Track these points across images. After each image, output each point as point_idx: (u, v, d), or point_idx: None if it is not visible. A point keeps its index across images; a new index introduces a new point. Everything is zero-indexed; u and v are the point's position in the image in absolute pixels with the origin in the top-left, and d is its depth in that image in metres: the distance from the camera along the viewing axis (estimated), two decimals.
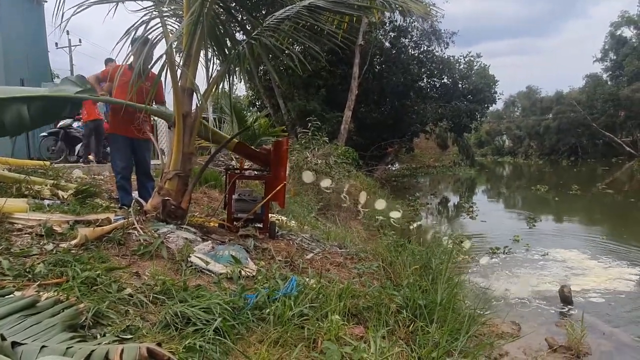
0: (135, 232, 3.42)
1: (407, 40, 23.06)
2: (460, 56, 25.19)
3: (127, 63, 4.15)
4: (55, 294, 2.14)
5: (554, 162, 45.28)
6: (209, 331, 1.99)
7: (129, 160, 4.91)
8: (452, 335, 2.72)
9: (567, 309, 5.27)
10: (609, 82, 49.14)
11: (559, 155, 51.51)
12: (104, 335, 1.87)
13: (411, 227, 8.46)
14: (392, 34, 22.73)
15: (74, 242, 3.01)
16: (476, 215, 13.44)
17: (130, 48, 3.75)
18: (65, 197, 4.95)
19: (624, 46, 48.44)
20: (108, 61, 4.69)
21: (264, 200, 4.60)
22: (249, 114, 20.49)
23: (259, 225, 4.71)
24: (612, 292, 5.99)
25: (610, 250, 8.75)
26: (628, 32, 49.77)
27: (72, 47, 31.50)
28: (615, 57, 49.59)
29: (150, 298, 2.32)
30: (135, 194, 5.04)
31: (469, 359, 2.49)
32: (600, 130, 46.74)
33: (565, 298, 5.42)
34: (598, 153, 48.16)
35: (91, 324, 1.95)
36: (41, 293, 2.12)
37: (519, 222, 12.22)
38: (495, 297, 5.61)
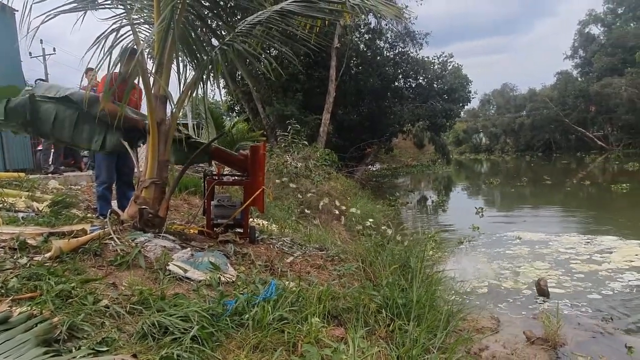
0: (112, 242, 3.38)
1: (382, 42, 23.34)
2: (435, 57, 25.64)
3: (115, 71, 4.05)
4: (29, 308, 2.09)
5: (521, 158, 46.87)
6: (186, 340, 1.98)
7: (114, 170, 4.87)
8: (431, 332, 2.77)
9: (543, 301, 5.39)
10: (579, 79, 50.63)
11: (534, 151, 52.81)
12: (79, 349, 1.84)
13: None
14: (367, 36, 22.96)
15: (48, 254, 2.95)
16: (446, 209, 14.98)
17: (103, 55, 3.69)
18: (41, 208, 4.85)
19: (592, 43, 50.02)
20: (89, 70, 4.62)
21: (243, 206, 4.59)
22: (227, 119, 20.39)
23: (239, 230, 4.70)
24: (584, 279, 6.20)
25: (565, 226, 10.29)
26: (596, 30, 51.47)
27: (47, 56, 30.96)
28: (584, 54, 51.17)
29: (127, 309, 2.30)
30: (114, 203, 4.98)
31: (447, 354, 2.54)
32: (572, 126, 48.09)
33: (542, 291, 5.55)
34: (571, 148, 49.55)
35: (66, 337, 1.91)
36: (14, 308, 2.08)
37: (487, 211, 13.33)
38: (473, 291, 5.72)
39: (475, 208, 13.08)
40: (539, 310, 5.09)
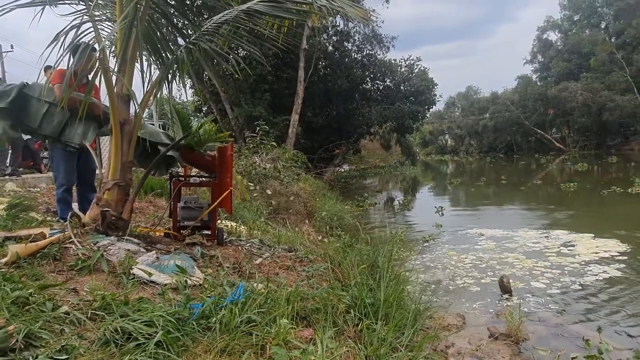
0: (73, 246, 3.26)
1: (349, 44, 23.53)
2: (402, 59, 25.98)
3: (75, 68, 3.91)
4: None
5: (484, 159, 48.52)
6: (150, 345, 1.93)
7: (74, 172, 4.70)
8: (399, 330, 2.81)
9: (507, 298, 5.55)
10: (538, 83, 52.66)
11: (497, 152, 54.50)
12: (37, 358, 1.76)
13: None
14: (335, 38, 23.08)
15: (4, 260, 2.82)
16: (412, 209, 15.48)
17: (63, 52, 3.56)
18: None
19: (550, 49, 52.19)
20: (47, 69, 4.45)
21: (211, 207, 4.53)
22: (195, 119, 20.05)
23: (206, 232, 4.63)
24: (544, 274, 6.43)
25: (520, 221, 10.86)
26: (553, 36, 53.80)
27: (4, 54, 29.73)
28: (543, 59, 53.34)
29: (89, 315, 2.22)
30: (74, 206, 4.80)
31: (414, 352, 2.58)
32: (532, 128, 49.89)
33: (505, 288, 5.70)
34: (531, 149, 51.35)
35: (22, 346, 1.83)
36: None
37: (449, 210, 13.82)
38: (440, 289, 5.84)
39: (435, 207, 13.46)
40: (503, 307, 5.24)
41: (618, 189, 15.25)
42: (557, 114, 46.47)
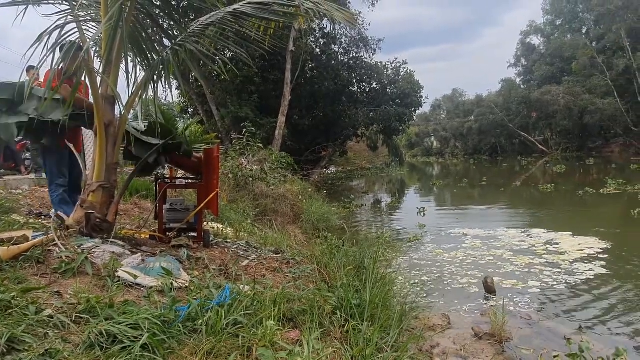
0: (57, 249, 3.22)
1: (336, 46, 23.60)
2: (388, 62, 26.14)
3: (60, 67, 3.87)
4: None
5: (469, 161, 49.17)
6: (136, 348, 1.92)
7: (68, 170, 4.66)
8: (384, 331, 2.83)
9: (491, 298, 5.62)
10: (521, 86, 53.42)
11: (481, 154, 55.12)
12: None
13: None
14: (322, 41, 23.14)
15: None
16: (398, 210, 15.75)
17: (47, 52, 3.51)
18: None
19: (533, 53, 53.05)
20: (30, 69, 4.38)
21: (197, 209, 4.51)
22: (181, 121, 19.87)
23: (192, 234, 4.60)
24: (527, 273, 6.56)
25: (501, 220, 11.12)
26: (536, 40, 54.73)
27: None
28: (526, 63, 54.17)
29: (73, 318, 2.20)
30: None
31: (399, 352, 2.61)
32: (516, 131, 50.55)
33: (489, 288, 5.78)
34: (515, 151, 52.02)
35: (5, 350, 1.81)
36: None
37: (431, 210, 14.18)
38: (426, 290, 5.89)
39: (417, 208, 13.66)
40: (486, 307, 5.31)
41: (591, 190, 15.70)
42: (540, 117, 47.13)
